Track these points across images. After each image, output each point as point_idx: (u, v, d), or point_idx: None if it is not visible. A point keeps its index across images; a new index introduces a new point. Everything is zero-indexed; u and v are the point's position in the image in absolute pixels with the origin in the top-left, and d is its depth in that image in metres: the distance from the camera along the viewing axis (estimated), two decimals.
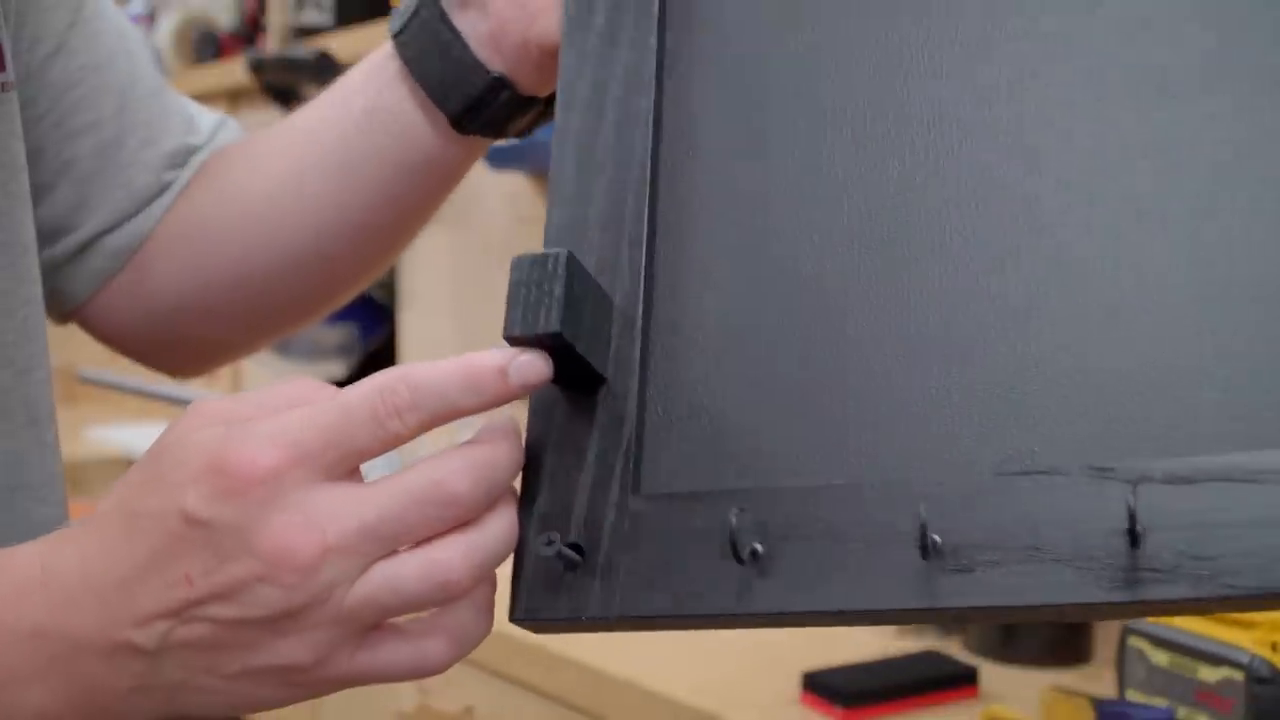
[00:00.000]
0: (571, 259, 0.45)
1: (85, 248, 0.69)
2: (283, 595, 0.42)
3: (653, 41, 0.53)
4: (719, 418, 0.46)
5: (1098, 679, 1.04)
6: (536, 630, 0.47)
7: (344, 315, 1.88)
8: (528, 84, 0.64)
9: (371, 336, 2.00)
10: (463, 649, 0.45)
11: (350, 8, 2.18)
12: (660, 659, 1.11)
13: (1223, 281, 0.33)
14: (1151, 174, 0.36)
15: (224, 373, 2.31)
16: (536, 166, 1.62)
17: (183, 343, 0.73)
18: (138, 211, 0.69)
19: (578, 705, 1.12)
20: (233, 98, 2.56)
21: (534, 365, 0.44)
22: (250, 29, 2.62)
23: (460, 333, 1.78)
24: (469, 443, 0.44)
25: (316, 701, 1.68)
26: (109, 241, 0.69)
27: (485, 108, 0.64)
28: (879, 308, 0.43)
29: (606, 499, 0.46)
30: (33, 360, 0.62)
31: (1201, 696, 0.85)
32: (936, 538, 0.38)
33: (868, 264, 0.44)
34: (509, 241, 1.74)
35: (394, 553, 0.43)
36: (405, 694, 1.33)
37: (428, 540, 0.43)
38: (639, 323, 0.48)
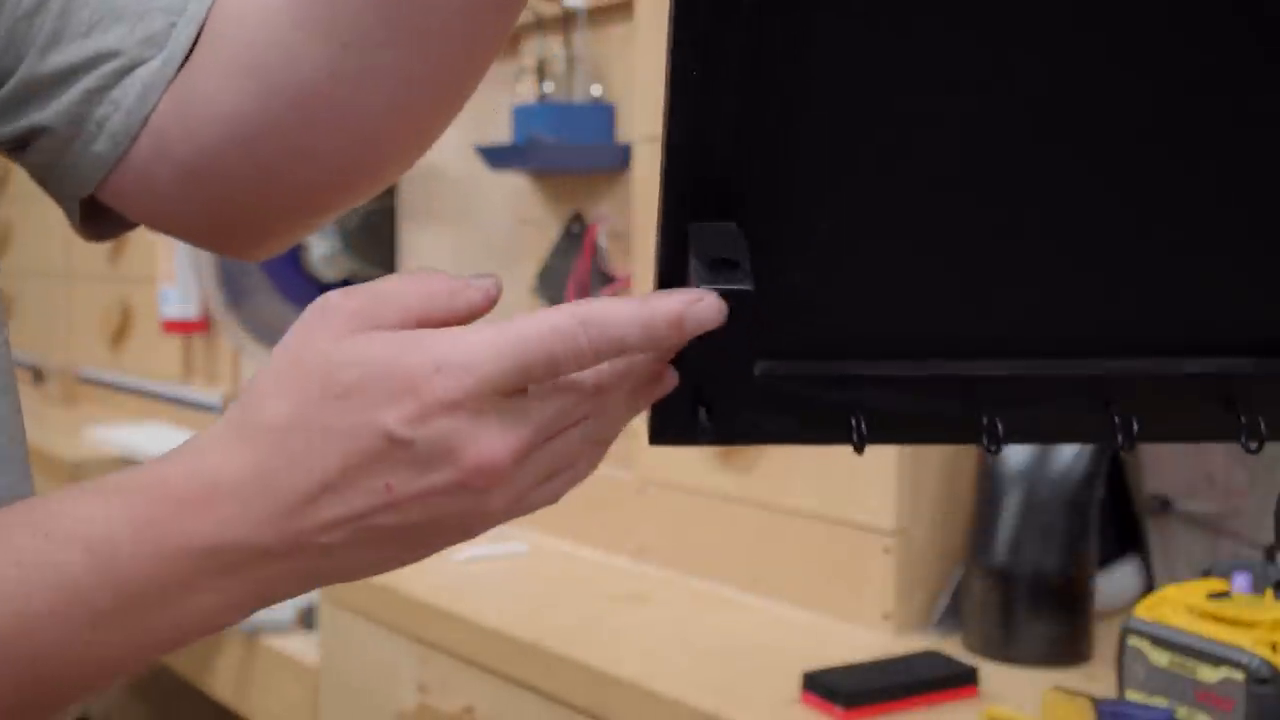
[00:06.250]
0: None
1: (124, 72, 0.61)
2: (478, 499, 0.47)
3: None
4: (833, 310, 0.52)
5: (1098, 679, 1.04)
6: (668, 444, 0.55)
7: None
8: None
9: None
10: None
11: None
12: (660, 659, 1.11)
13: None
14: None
15: (224, 373, 2.31)
16: (536, 166, 1.62)
17: (234, 203, 0.63)
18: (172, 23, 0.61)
19: (578, 705, 1.12)
20: None
21: (709, 310, 0.47)
22: None
23: None
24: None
25: (317, 702, 1.67)
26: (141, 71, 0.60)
27: None
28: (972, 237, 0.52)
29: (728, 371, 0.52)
30: None
31: (1201, 697, 0.85)
32: None
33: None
34: (509, 241, 1.73)
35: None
36: (405, 694, 1.33)
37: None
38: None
